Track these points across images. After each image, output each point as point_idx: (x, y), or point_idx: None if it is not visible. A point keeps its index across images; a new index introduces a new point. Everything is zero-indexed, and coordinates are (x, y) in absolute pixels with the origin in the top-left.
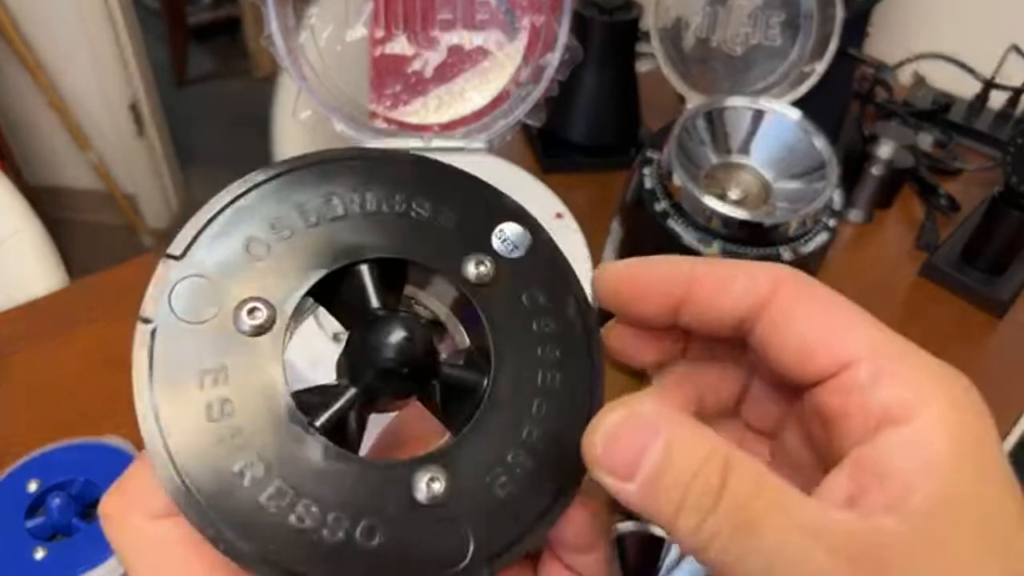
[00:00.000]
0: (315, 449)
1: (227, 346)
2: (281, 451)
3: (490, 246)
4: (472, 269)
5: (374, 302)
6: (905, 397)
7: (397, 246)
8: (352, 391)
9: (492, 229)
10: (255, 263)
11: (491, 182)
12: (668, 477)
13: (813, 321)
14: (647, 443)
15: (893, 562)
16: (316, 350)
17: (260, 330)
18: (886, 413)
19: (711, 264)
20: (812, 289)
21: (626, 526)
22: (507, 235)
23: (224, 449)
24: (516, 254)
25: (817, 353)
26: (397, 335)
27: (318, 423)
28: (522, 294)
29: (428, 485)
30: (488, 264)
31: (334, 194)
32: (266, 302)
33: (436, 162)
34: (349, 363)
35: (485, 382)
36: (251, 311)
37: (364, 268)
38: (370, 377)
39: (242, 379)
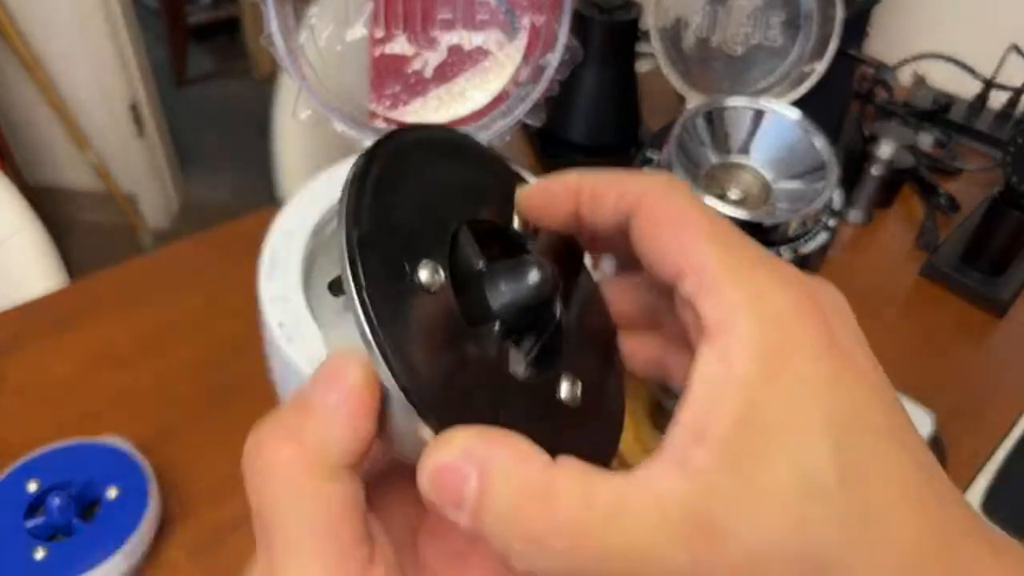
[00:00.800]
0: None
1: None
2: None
3: None
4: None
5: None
6: (716, 316)
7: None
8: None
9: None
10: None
11: None
12: (490, 513)
13: (663, 232)
14: (462, 481)
15: (719, 513)
16: (316, 349)
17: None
18: (702, 335)
19: (592, 177)
20: (673, 200)
21: None
22: None
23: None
24: None
25: (663, 264)
26: (536, 274)
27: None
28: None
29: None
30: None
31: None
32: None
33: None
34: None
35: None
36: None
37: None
38: (515, 312)
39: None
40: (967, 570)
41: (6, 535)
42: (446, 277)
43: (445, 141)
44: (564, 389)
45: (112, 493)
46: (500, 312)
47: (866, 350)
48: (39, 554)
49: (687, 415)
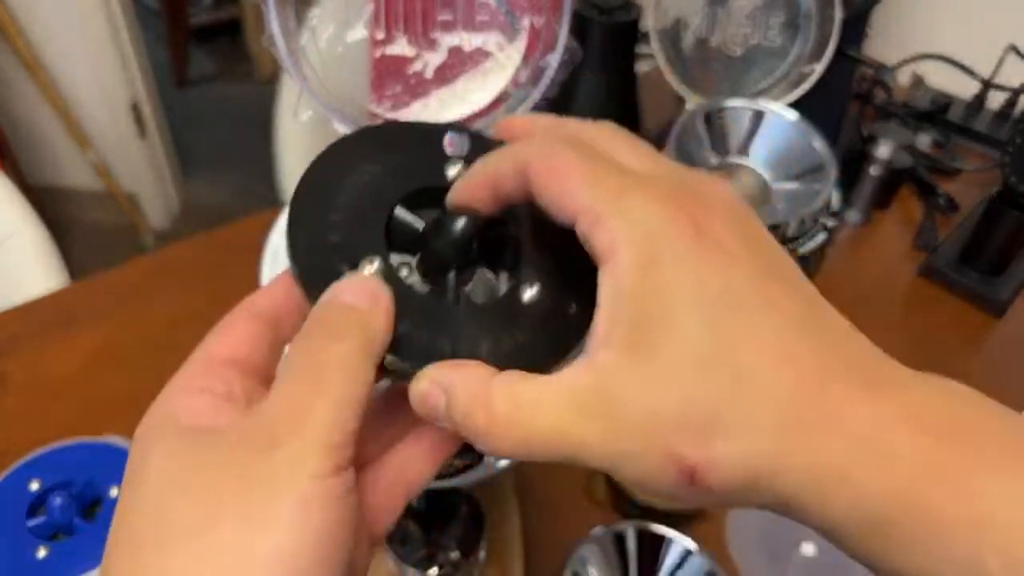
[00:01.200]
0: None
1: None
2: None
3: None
4: (451, 173)
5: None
6: (602, 246)
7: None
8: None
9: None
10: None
11: None
12: (454, 418)
13: (551, 188)
14: (436, 400)
15: (618, 392)
16: None
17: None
18: (599, 262)
19: (493, 163)
20: (552, 157)
21: (627, 524)
22: (453, 140)
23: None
24: (463, 152)
25: (560, 214)
26: (462, 221)
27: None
28: None
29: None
30: (459, 166)
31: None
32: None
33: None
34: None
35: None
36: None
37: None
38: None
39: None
40: (837, 410)
41: (8, 534)
42: (380, 264)
43: (375, 134)
44: (526, 295)
45: (114, 492)
46: (441, 259)
47: (744, 236)
48: (41, 553)
49: (597, 329)
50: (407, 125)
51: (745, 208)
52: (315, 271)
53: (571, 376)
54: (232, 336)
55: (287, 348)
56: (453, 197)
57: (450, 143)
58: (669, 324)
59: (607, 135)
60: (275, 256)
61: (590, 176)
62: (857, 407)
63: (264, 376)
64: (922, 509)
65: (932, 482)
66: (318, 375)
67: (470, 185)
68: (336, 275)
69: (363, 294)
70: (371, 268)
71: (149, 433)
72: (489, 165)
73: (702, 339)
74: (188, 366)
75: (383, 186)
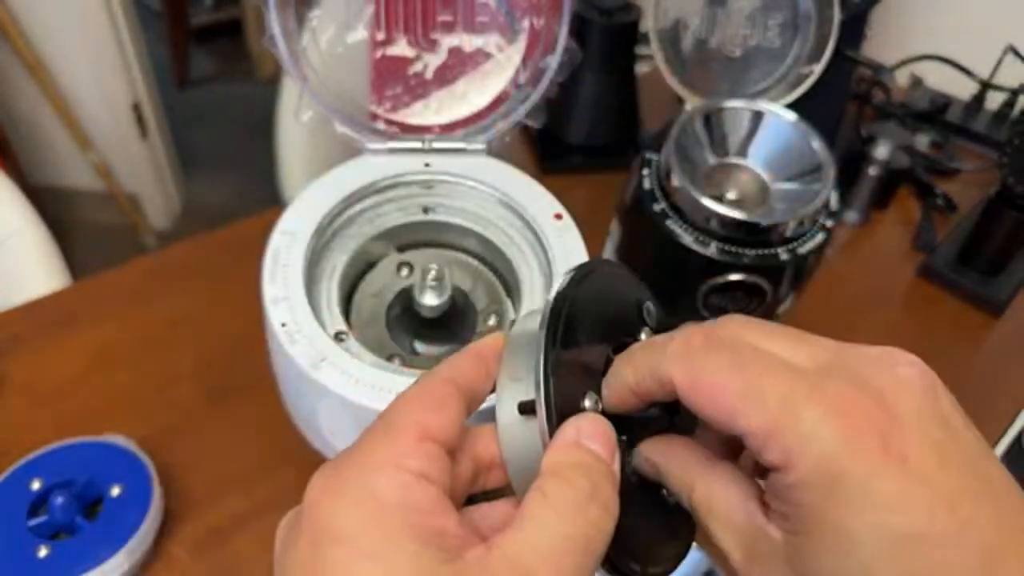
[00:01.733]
0: None
1: None
2: None
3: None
4: (642, 337)
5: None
6: (778, 461)
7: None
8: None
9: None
10: None
11: (491, 183)
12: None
13: (705, 408)
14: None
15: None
16: (319, 350)
17: None
18: (772, 470)
19: (636, 374)
20: (697, 376)
21: None
22: (649, 310)
23: None
24: (654, 323)
25: (721, 429)
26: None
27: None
28: None
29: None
30: (646, 334)
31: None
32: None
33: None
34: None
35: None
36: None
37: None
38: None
39: None
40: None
41: (9, 534)
42: (598, 403)
43: (606, 277)
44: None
45: (115, 492)
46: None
47: (935, 443)
48: (42, 552)
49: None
50: (628, 275)
51: (935, 390)
52: (555, 396)
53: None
54: (446, 416)
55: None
56: (606, 400)
57: (647, 311)
58: (846, 555)
59: (740, 327)
60: (275, 257)
61: (748, 390)
62: None
63: (450, 448)
64: None
65: None
66: (586, 541)
67: (616, 392)
68: (574, 405)
69: (606, 443)
70: (590, 403)
71: (365, 511)
72: (629, 376)
73: (879, 554)
74: (399, 437)
75: (603, 332)
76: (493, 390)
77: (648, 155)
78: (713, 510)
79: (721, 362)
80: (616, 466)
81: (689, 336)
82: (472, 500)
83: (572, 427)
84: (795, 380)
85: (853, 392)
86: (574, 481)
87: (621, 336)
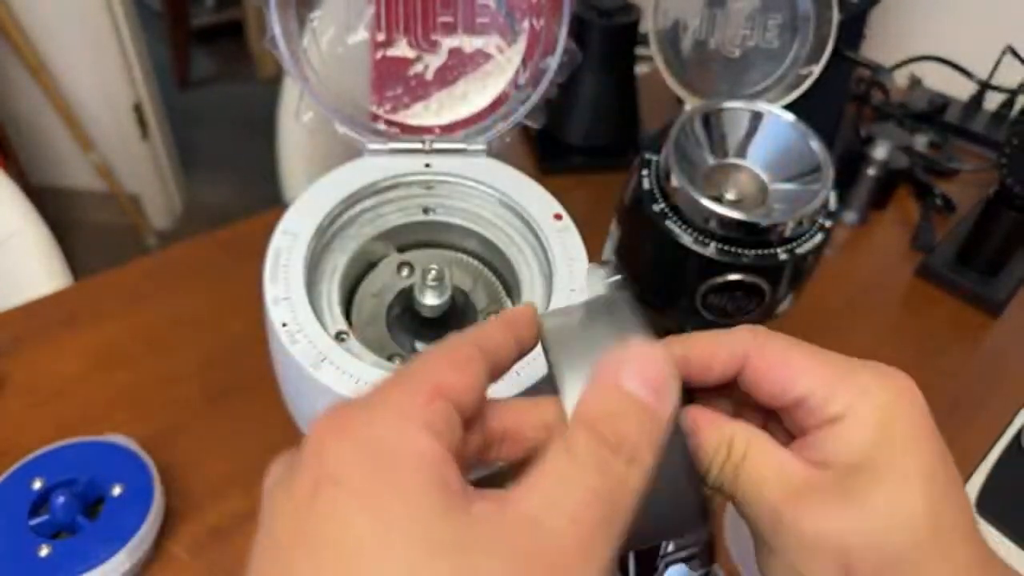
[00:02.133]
0: None
1: None
2: None
3: None
4: None
5: None
6: (840, 408)
7: None
8: None
9: None
10: None
11: (491, 183)
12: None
13: (775, 375)
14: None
15: (828, 492)
16: (319, 350)
17: None
18: (829, 421)
19: (696, 349)
20: (771, 349)
21: None
22: None
23: None
24: None
25: (779, 398)
26: None
27: None
28: None
29: None
30: None
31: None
32: None
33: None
34: None
35: None
36: None
37: None
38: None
39: None
40: None
41: (11, 533)
42: None
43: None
44: None
45: (116, 491)
46: None
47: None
48: (43, 552)
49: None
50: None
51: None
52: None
53: (796, 464)
54: (465, 378)
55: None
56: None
57: None
58: (896, 471)
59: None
60: (277, 257)
61: (812, 356)
62: None
63: (464, 412)
64: None
65: None
66: (611, 511)
67: (689, 359)
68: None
69: (655, 384)
70: None
71: (367, 455)
72: (706, 347)
73: (921, 501)
74: (413, 390)
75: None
76: (517, 360)
77: (647, 155)
78: (753, 451)
79: (785, 340)
80: (669, 408)
81: (750, 326)
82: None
83: (612, 365)
84: (843, 357)
85: (892, 370)
86: (605, 432)
87: None
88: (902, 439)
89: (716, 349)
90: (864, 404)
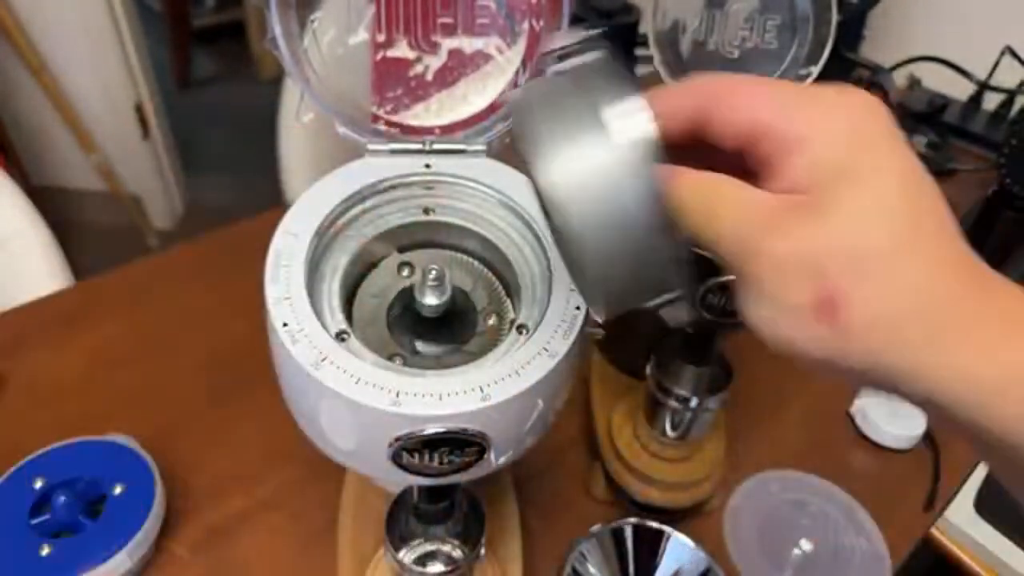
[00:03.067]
0: None
1: None
2: None
3: None
4: None
5: None
6: (803, 126)
7: None
8: None
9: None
10: None
11: (490, 184)
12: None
13: (740, 100)
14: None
15: (792, 212)
16: (320, 350)
17: None
18: (796, 142)
19: (662, 96)
20: (734, 78)
21: (626, 521)
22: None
23: None
24: None
25: (751, 126)
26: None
27: None
28: None
29: None
30: None
31: None
32: None
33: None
34: None
35: None
36: None
37: None
38: None
39: None
40: (986, 275)
41: (12, 532)
42: None
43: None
44: None
45: (117, 490)
46: None
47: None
48: (45, 551)
49: (795, 174)
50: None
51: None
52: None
53: (761, 194)
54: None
55: None
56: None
57: None
58: (870, 169)
59: None
60: (278, 257)
61: (778, 87)
62: (999, 281)
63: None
64: None
65: None
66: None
67: (661, 100)
68: None
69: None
70: None
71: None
72: (669, 95)
73: (897, 195)
74: None
75: None
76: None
77: None
78: (723, 192)
79: (747, 75)
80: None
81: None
82: None
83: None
84: (804, 86)
85: (857, 90)
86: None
87: None
88: (872, 143)
89: (679, 94)
90: (830, 118)
